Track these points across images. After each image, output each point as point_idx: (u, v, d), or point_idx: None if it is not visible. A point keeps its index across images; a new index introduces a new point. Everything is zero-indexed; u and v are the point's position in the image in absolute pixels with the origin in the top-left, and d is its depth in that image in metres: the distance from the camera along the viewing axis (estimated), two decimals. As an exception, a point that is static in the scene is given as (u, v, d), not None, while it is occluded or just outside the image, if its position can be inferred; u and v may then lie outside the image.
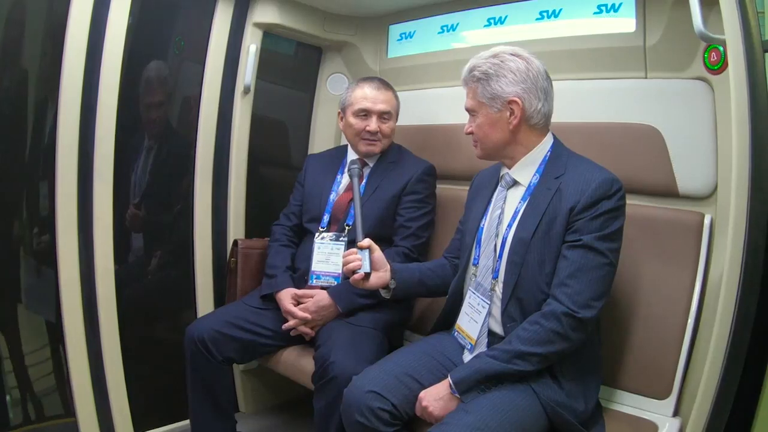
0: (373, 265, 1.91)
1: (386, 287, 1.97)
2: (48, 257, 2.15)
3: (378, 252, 1.94)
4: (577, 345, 1.63)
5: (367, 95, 2.43)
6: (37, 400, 2.21)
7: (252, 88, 2.71)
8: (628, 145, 2.05)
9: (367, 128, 2.40)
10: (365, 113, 2.42)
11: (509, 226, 1.78)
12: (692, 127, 1.93)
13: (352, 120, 2.44)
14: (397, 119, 2.52)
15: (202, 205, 2.64)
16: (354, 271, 1.89)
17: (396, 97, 2.51)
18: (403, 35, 2.92)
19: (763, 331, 1.54)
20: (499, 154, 1.84)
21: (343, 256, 1.96)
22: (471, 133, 1.84)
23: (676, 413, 1.83)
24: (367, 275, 1.89)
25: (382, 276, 1.94)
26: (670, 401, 1.83)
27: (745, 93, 1.48)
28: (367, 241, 1.92)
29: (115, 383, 2.31)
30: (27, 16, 2.10)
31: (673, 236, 1.92)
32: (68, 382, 2.19)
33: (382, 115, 2.42)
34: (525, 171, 1.80)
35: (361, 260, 1.89)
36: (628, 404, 1.91)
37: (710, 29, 1.68)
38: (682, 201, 1.98)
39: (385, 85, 2.50)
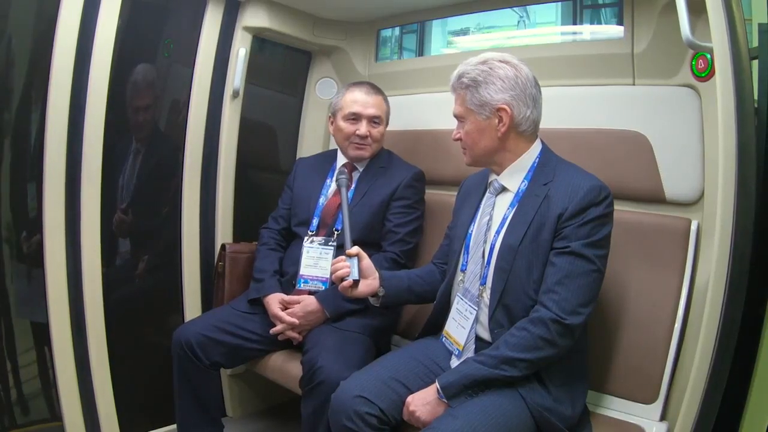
0: (361, 272, 1.91)
1: (375, 295, 1.97)
2: (35, 260, 2.14)
3: (366, 260, 1.94)
4: (565, 351, 1.63)
5: (358, 99, 2.43)
6: (23, 404, 2.19)
7: (241, 92, 2.70)
8: (616, 151, 2.06)
9: (357, 132, 2.40)
10: (355, 117, 2.42)
11: (497, 232, 1.77)
12: (679, 134, 1.94)
13: (342, 124, 2.44)
14: (387, 124, 2.52)
15: (190, 209, 2.62)
16: (343, 279, 1.89)
17: (386, 102, 2.51)
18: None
19: (749, 335, 1.55)
20: (487, 160, 1.84)
21: (332, 264, 1.96)
22: (459, 139, 1.84)
23: (663, 417, 1.84)
24: (356, 283, 1.90)
25: (370, 284, 1.94)
26: (657, 405, 1.84)
27: (732, 100, 1.49)
28: (355, 249, 1.92)
29: (102, 387, 2.29)
30: (16, 17, 2.08)
31: (660, 242, 1.94)
32: (55, 385, 2.18)
33: (373, 120, 2.43)
34: (513, 177, 1.80)
35: (349, 268, 1.90)
36: (616, 409, 1.91)
37: (698, 37, 1.69)
38: (669, 207, 1.99)
39: (376, 89, 2.50)
